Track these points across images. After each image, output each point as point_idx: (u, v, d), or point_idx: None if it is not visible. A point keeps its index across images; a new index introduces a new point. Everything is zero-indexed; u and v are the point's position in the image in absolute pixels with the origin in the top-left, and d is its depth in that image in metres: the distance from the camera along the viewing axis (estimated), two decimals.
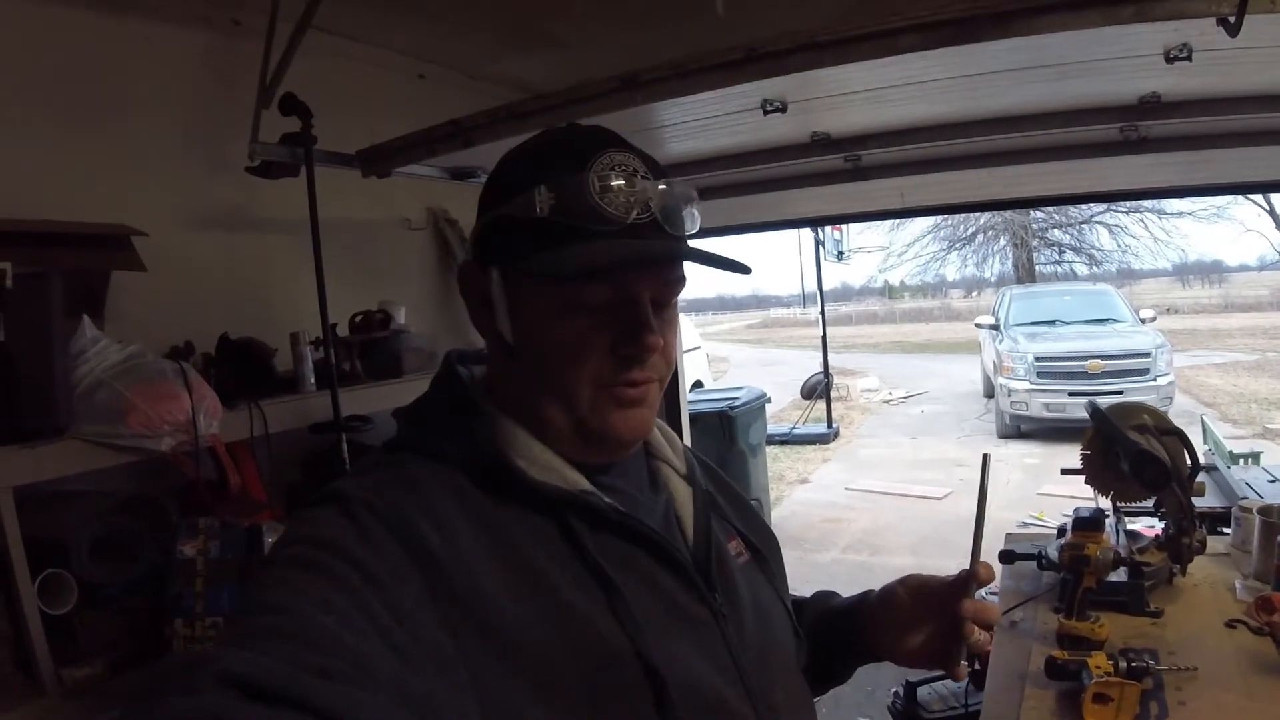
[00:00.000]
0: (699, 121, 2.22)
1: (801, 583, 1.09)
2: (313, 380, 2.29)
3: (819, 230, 12.30)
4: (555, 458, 0.84)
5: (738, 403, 6.22)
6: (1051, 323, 11.01)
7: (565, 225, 0.79)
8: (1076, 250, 22.21)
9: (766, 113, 2.03)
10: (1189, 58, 1.61)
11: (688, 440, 3.32)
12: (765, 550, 1.01)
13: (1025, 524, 6.11)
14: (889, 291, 36.87)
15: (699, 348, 10.14)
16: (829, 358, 11.80)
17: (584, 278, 0.79)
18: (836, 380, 12.68)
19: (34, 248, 1.71)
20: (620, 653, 0.75)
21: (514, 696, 0.69)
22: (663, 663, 0.76)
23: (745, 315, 44.83)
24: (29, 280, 1.58)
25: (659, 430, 1.00)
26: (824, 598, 1.17)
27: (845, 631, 1.07)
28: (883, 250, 23.73)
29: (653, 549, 0.84)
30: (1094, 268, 21.96)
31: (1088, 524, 1.80)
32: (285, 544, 0.72)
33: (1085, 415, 2.06)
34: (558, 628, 0.74)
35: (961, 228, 22.71)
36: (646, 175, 0.82)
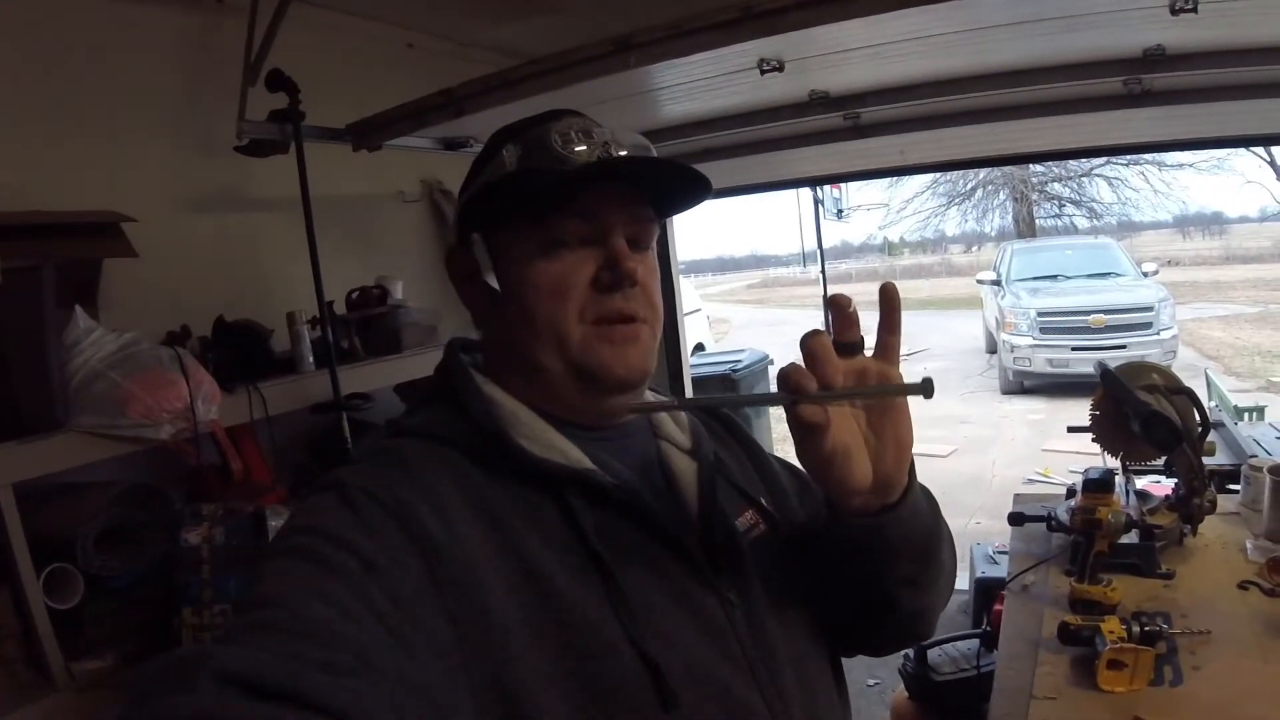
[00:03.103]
0: (695, 83, 2.19)
1: None
2: (311, 360, 2.27)
3: (818, 189, 12.22)
4: (558, 436, 0.84)
5: (740, 365, 6.20)
6: (1053, 277, 10.95)
7: (534, 171, 0.84)
8: (1077, 204, 22.05)
9: (763, 72, 1.99)
10: (1194, 9, 1.58)
11: None
12: (782, 513, 0.99)
13: (1031, 480, 6.13)
14: (889, 249, 36.64)
15: (700, 310, 10.07)
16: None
17: (556, 211, 0.83)
18: None
19: (22, 240, 1.68)
20: (614, 642, 0.74)
21: (513, 685, 0.68)
22: (659, 650, 0.75)
23: (745, 275, 44.51)
24: (19, 274, 1.56)
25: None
26: None
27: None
28: (882, 207, 23.57)
29: (655, 531, 0.82)
30: (1094, 221, 21.82)
31: (1098, 486, 1.79)
32: (285, 534, 0.72)
33: (1089, 370, 2.05)
34: (551, 617, 0.73)
35: (961, 183, 22.52)
36: (602, 126, 0.88)
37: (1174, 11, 1.61)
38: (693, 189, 0.90)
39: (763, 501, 0.98)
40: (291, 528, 0.72)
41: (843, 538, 0.85)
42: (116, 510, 1.75)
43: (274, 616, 0.60)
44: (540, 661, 0.70)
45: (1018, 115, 2.56)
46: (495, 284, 0.86)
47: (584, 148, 0.84)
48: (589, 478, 0.81)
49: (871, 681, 3.55)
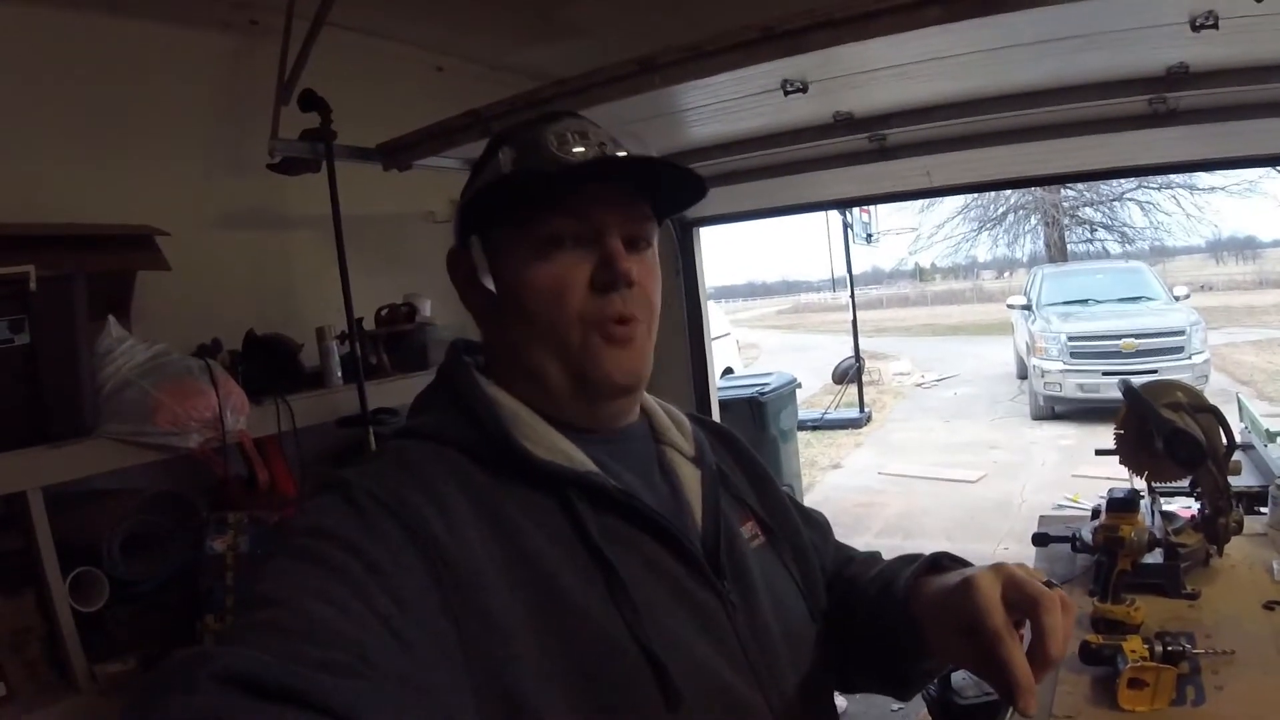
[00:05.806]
0: (719, 104, 2.20)
1: None
2: (339, 374, 2.30)
3: (847, 213, 12.22)
4: (560, 438, 0.84)
5: (768, 388, 6.18)
6: (1084, 302, 10.81)
7: (529, 173, 0.84)
8: (1108, 228, 21.84)
9: (787, 93, 2.00)
10: (1215, 25, 1.57)
11: None
12: (780, 531, 0.99)
13: (1060, 506, 6.04)
14: (920, 274, 36.52)
15: (729, 334, 10.08)
16: (860, 342, 11.72)
17: (551, 211, 0.83)
18: (868, 364, 12.58)
19: (58, 251, 1.72)
20: (618, 640, 0.74)
21: (515, 685, 0.69)
22: (663, 649, 0.75)
23: (775, 301, 44.48)
24: (53, 283, 1.60)
25: (664, 412, 0.99)
26: (876, 573, 1.00)
27: (899, 632, 0.89)
28: (912, 232, 23.52)
29: (658, 533, 0.83)
30: (1126, 245, 21.59)
31: (1122, 505, 1.77)
32: (287, 535, 0.72)
33: (1120, 395, 2.02)
34: (555, 616, 0.73)
35: (992, 208, 22.42)
36: (600, 127, 0.88)
37: (1195, 28, 1.60)
38: (689, 188, 0.90)
39: (760, 515, 0.99)
40: (294, 528, 0.72)
41: (899, 626, 0.87)
42: (143, 516, 1.79)
43: (276, 617, 0.60)
44: (543, 661, 0.71)
45: (1043, 136, 2.55)
46: (492, 286, 0.87)
47: (580, 149, 0.84)
48: (592, 480, 0.81)
49: (896, 707, 3.51)
